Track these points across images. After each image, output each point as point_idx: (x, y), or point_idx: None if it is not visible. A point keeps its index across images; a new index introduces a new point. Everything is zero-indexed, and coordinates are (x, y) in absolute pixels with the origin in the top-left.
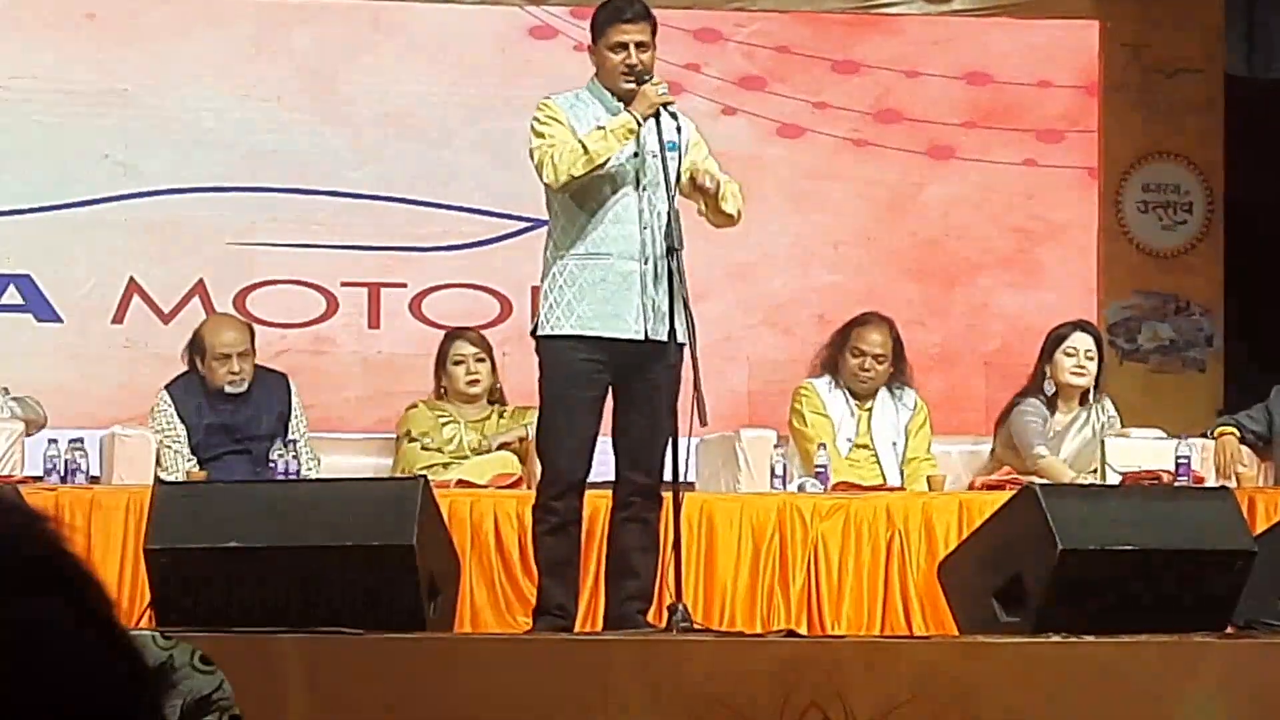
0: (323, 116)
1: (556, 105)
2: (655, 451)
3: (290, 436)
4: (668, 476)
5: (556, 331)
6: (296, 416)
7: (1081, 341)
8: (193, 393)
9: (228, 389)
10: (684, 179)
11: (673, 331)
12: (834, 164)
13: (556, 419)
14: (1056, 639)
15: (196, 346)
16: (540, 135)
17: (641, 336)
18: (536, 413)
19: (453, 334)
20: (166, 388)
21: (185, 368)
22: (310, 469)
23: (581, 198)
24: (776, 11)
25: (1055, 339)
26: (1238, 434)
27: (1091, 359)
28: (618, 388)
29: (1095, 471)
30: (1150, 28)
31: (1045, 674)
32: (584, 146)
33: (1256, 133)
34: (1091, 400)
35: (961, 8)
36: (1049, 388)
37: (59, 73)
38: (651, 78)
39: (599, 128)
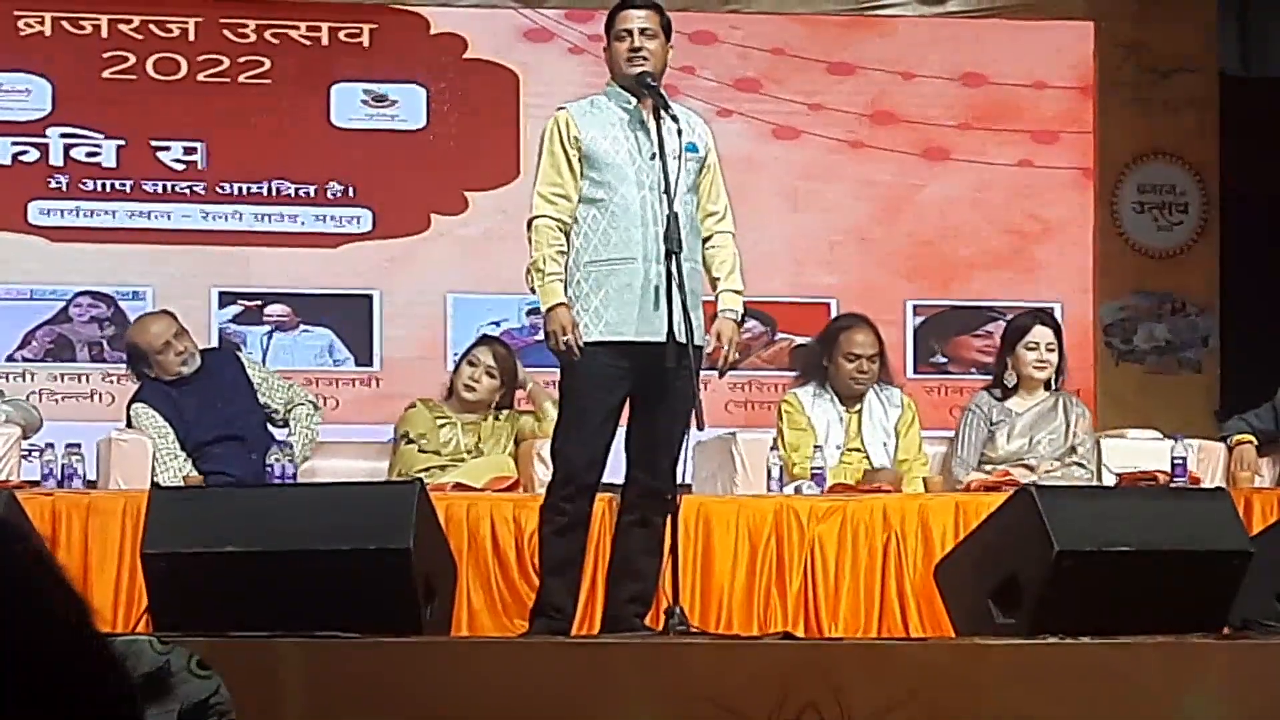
0: (319, 116)
1: (569, 120)
2: (668, 456)
3: (271, 407)
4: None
5: (585, 338)
6: (259, 373)
7: (1042, 335)
8: (158, 393)
9: (183, 371)
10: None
11: (690, 334)
12: (830, 165)
13: (576, 422)
14: (1053, 640)
15: (136, 355)
16: (546, 175)
17: (664, 339)
18: (528, 418)
19: (483, 339)
20: (134, 399)
21: (138, 382)
22: (302, 405)
23: (603, 203)
24: (771, 13)
25: (1016, 331)
26: (1255, 441)
27: (1053, 351)
28: (637, 391)
29: (1080, 463)
30: (1145, 27)
31: (1042, 676)
32: (544, 267)
33: (1252, 131)
34: (1055, 387)
35: (956, 9)
36: (1009, 379)
37: None
38: (650, 70)
39: (553, 267)
